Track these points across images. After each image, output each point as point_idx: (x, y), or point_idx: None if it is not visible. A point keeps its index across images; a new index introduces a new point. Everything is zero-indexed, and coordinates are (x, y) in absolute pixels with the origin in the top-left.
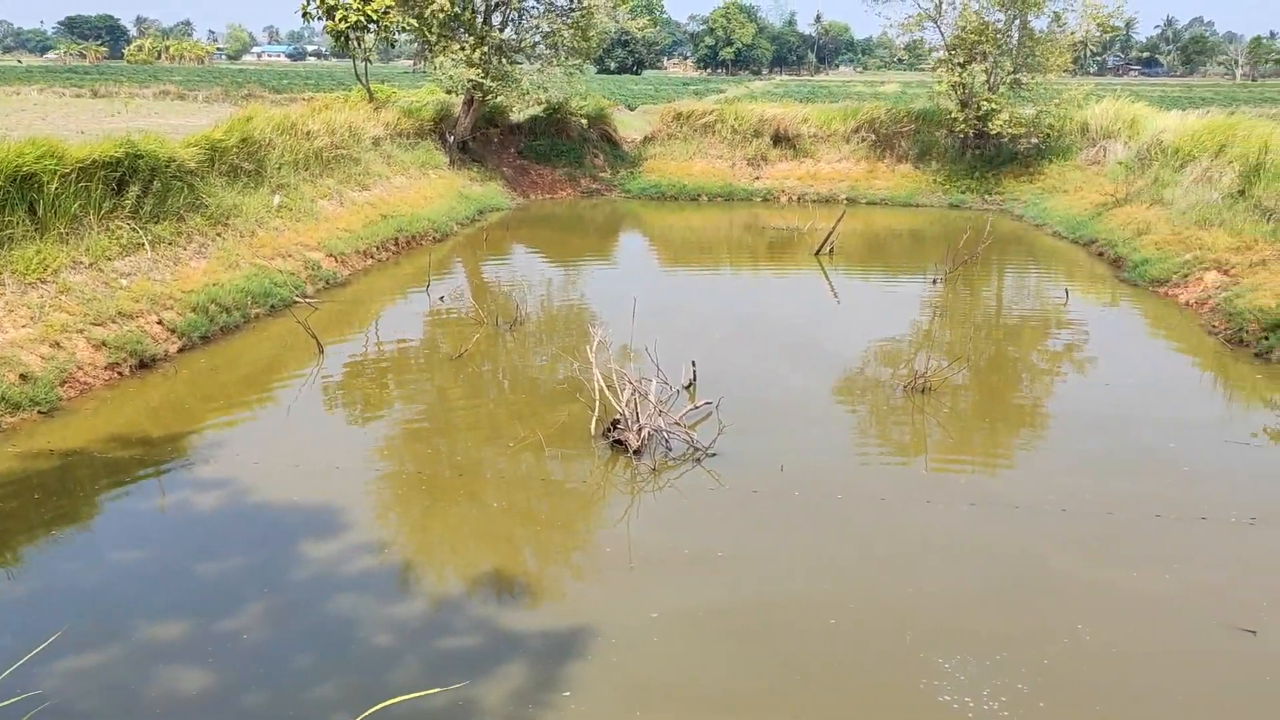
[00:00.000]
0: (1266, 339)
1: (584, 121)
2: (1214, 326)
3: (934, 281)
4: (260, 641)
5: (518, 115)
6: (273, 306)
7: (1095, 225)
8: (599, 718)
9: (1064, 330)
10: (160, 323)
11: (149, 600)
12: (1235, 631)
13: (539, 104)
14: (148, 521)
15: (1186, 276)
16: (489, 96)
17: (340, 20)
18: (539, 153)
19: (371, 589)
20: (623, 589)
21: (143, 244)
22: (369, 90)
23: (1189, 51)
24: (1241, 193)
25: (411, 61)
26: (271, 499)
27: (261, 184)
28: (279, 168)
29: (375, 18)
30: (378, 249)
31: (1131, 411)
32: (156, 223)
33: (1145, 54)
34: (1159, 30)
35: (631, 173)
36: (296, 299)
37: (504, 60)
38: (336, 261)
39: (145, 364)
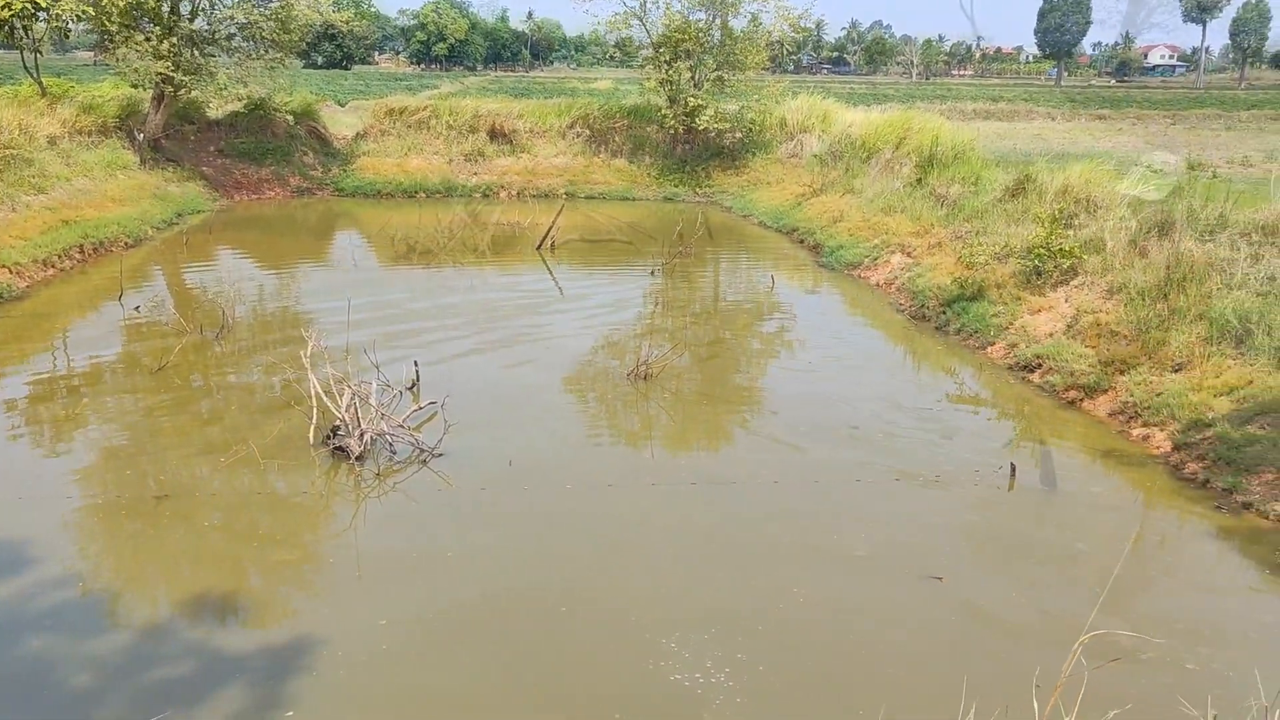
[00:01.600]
0: (943, 314)
1: (290, 118)
2: (901, 304)
3: (652, 273)
4: None
5: (216, 111)
6: None
7: (796, 215)
8: None
9: (773, 315)
10: None
11: None
12: (927, 580)
13: (239, 100)
14: None
15: (876, 260)
16: (181, 91)
17: (3, 8)
18: (242, 151)
19: (66, 626)
20: (350, 598)
21: None
22: (41, 84)
23: (872, 52)
24: (919, 181)
25: (92, 53)
26: None
27: None
28: None
29: (44, 5)
30: (60, 257)
31: (833, 386)
32: None
33: (835, 54)
34: (845, 32)
35: (344, 171)
36: None
37: (197, 52)
38: (10, 273)
39: None
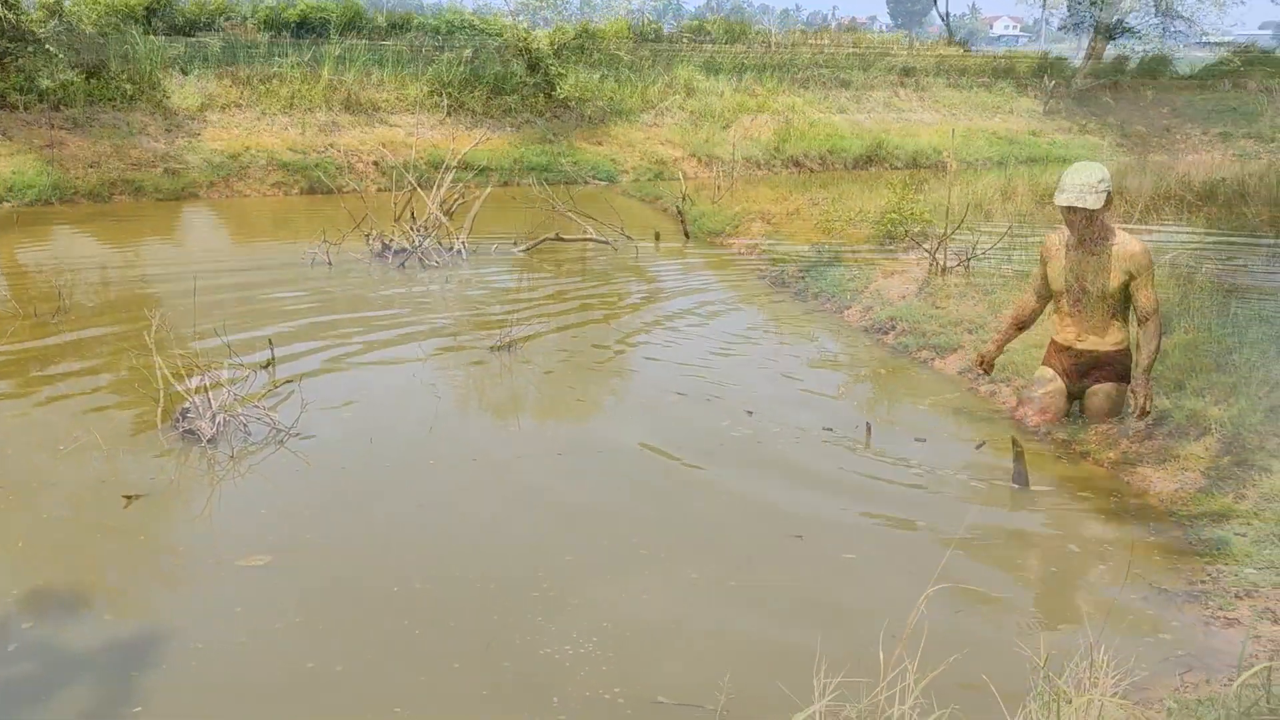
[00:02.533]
0: (802, 279)
1: (129, 87)
2: (762, 271)
3: (515, 243)
4: None
5: (48, 81)
6: None
7: (660, 184)
8: None
9: (638, 284)
10: None
11: None
12: (788, 538)
13: (73, 68)
14: None
15: (737, 227)
16: (8, 60)
17: None
18: (79, 124)
19: None
20: (204, 587)
21: None
22: None
23: (730, 22)
24: (777, 149)
25: None
26: None
27: None
28: None
29: None
30: None
31: (697, 354)
32: None
33: (695, 22)
34: (706, 1)
35: (191, 143)
36: None
37: (21, 17)
38: None
39: None
